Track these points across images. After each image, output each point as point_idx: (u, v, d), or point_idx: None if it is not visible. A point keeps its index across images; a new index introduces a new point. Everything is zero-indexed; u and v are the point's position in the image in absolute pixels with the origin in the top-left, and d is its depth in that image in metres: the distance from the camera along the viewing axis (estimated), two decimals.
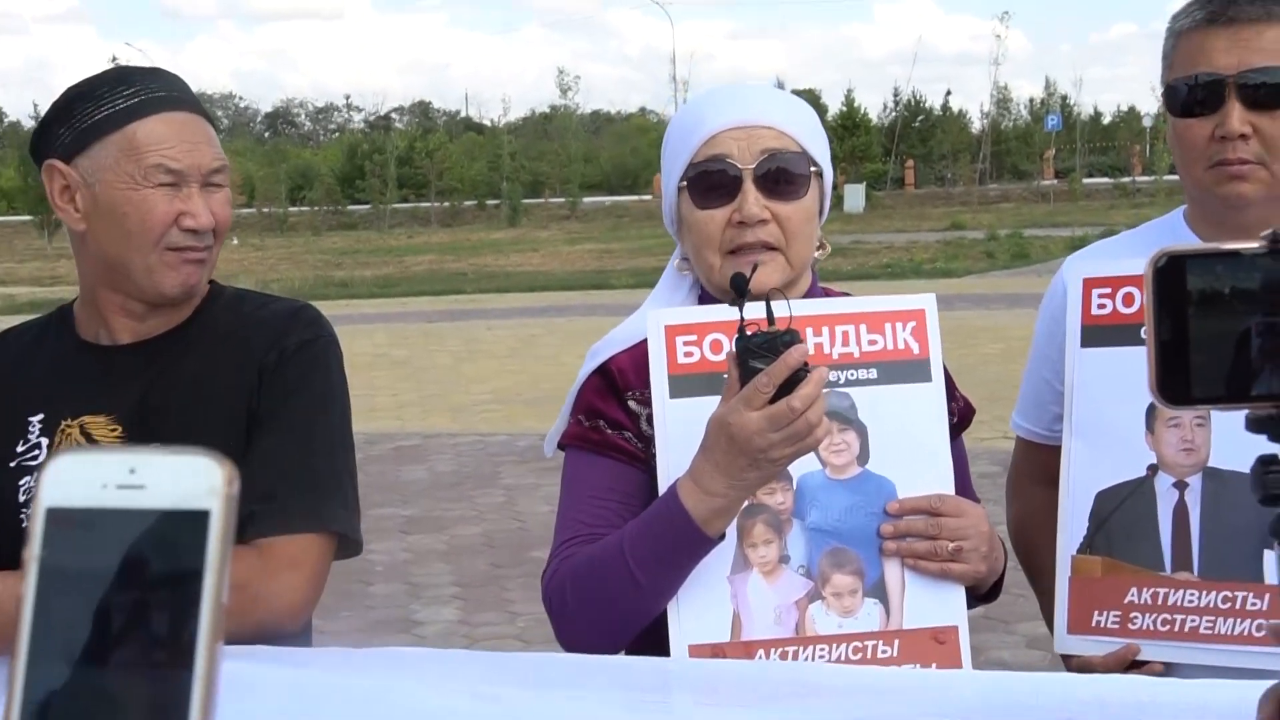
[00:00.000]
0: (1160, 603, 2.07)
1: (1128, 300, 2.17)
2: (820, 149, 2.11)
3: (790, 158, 2.05)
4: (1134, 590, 2.09)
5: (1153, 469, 2.11)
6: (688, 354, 1.98)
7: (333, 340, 2.26)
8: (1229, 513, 2.05)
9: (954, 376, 2.17)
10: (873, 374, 2.01)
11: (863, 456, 1.99)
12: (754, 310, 1.82)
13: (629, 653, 2.05)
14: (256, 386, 2.15)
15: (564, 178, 65.04)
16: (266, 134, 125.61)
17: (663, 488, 1.94)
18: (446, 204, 60.56)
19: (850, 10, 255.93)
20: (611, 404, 2.08)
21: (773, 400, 1.78)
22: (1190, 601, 2.06)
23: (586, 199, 62.09)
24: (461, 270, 31.21)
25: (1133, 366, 2.14)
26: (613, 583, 1.92)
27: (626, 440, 2.06)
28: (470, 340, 18.28)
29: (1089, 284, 2.20)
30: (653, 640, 1.94)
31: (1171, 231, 2.34)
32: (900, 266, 27.42)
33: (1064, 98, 75.93)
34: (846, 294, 2.22)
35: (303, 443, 2.14)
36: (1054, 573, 2.16)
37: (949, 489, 2.02)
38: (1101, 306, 2.18)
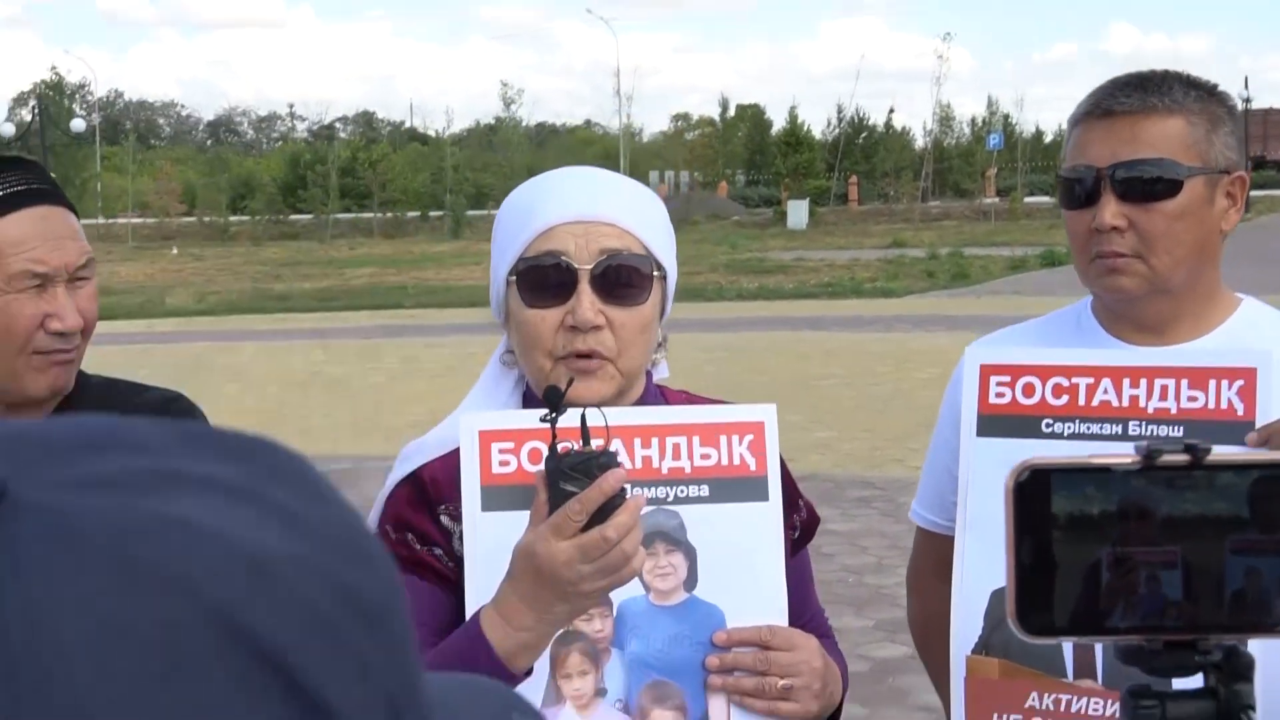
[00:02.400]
0: (1064, 710, 2.00)
1: (1028, 390, 2.12)
2: (666, 249, 1.96)
3: (632, 259, 1.89)
4: (1035, 695, 2.03)
5: None
6: (503, 463, 1.81)
7: None
8: None
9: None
10: (704, 491, 1.86)
11: (690, 581, 1.85)
12: (569, 419, 1.66)
13: None
14: None
15: (508, 190, 64.60)
16: (209, 142, 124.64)
17: (470, 607, 1.77)
18: (389, 215, 60.27)
19: (796, 27, 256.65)
20: (422, 516, 1.89)
21: (585, 528, 1.61)
22: (1095, 710, 1.98)
23: None
24: (402, 284, 31.03)
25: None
26: None
27: (437, 558, 1.87)
28: (407, 358, 18.15)
29: (986, 370, 2.15)
30: None
31: (1077, 321, 2.30)
32: (841, 285, 27.47)
33: (1006, 116, 76.65)
34: (686, 393, 2.09)
35: None
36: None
37: (782, 620, 1.87)
38: (1000, 395, 2.13)
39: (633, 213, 1.93)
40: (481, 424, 1.84)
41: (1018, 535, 0.91)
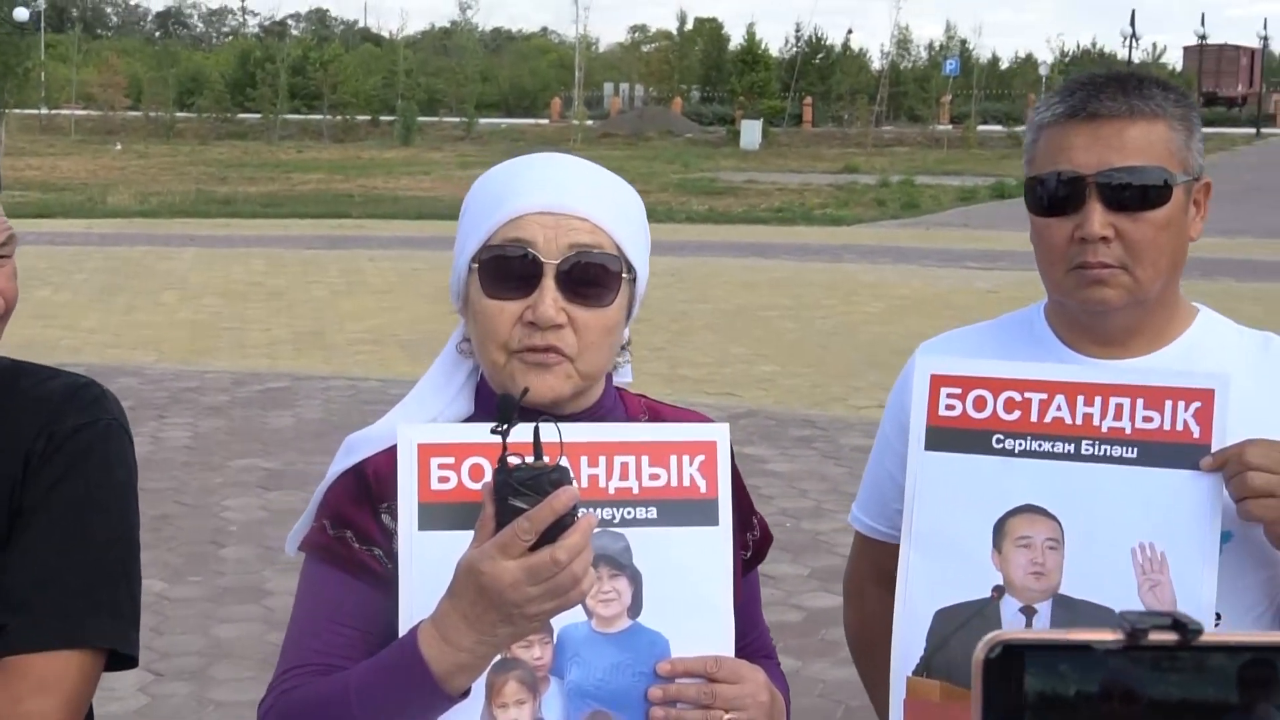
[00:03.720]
0: None
1: (979, 404, 2.03)
2: (639, 249, 1.86)
3: (602, 257, 1.79)
4: (972, 673, 1.96)
5: (998, 591, 1.98)
6: (443, 479, 1.72)
7: (115, 424, 1.95)
8: None
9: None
10: (652, 514, 1.77)
11: (634, 608, 1.76)
12: (520, 432, 1.57)
13: None
14: (20, 477, 1.86)
15: (461, 96, 64.17)
16: (157, 34, 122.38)
17: (403, 629, 1.69)
18: (339, 118, 59.50)
19: None
20: (364, 513, 1.80)
21: (533, 548, 1.53)
22: None
23: (483, 120, 61.36)
24: (349, 192, 30.66)
25: (981, 477, 2.02)
26: None
27: (376, 559, 1.79)
28: (350, 271, 17.94)
29: (937, 381, 2.06)
30: None
31: (1029, 328, 2.20)
32: (791, 211, 27.37)
33: (964, 42, 76.36)
34: (645, 398, 2.00)
35: (67, 544, 1.84)
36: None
37: (728, 650, 1.79)
38: (950, 408, 2.04)
39: (608, 209, 1.83)
40: (421, 436, 1.73)
41: (985, 717, 0.82)
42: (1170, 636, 0.81)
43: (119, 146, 47.53)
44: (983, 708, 0.83)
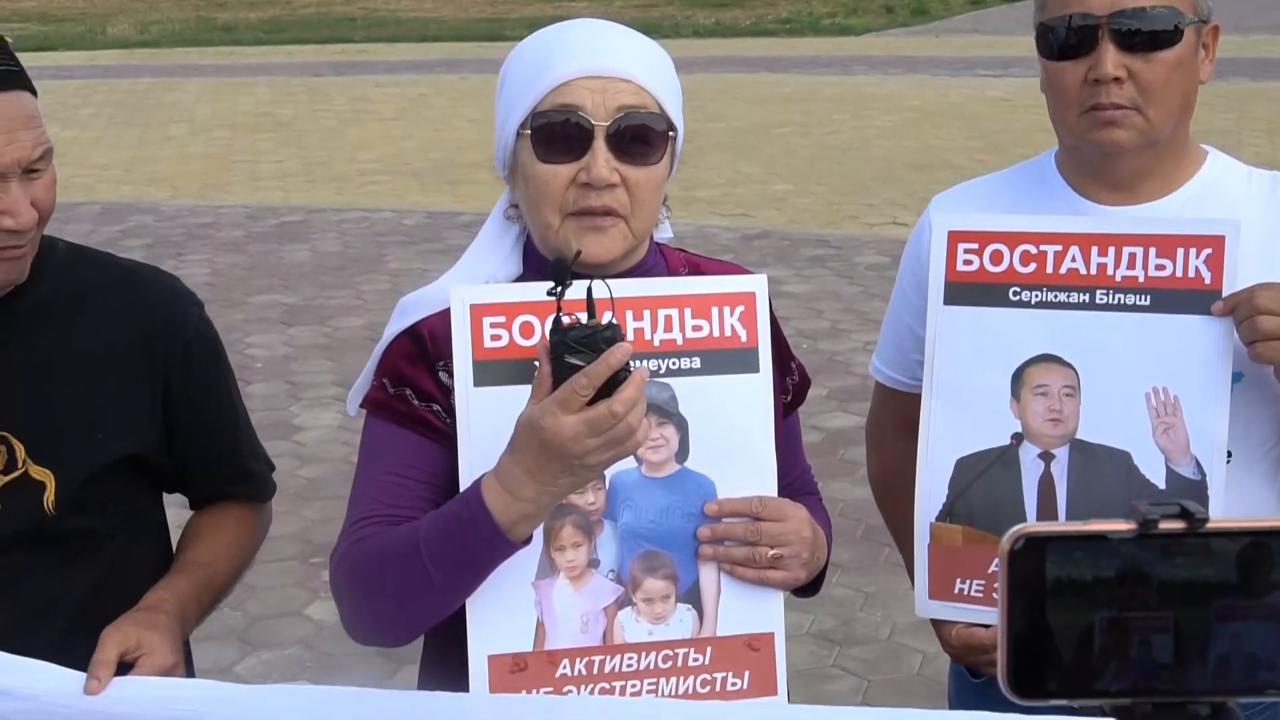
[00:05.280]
0: None
1: (996, 258, 2.09)
2: (677, 108, 1.92)
3: (648, 118, 1.86)
4: (996, 562, 2.06)
5: (1017, 438, 2.06)
6: (495, 337, 1.80)
7: (201, 303, 2.24)
8: (1097, 488, 2.01)
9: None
10: (696, 363, 1.86)
11: (681, 453, 1.85)
12: (571, 291, 1.65)
13: (425, 653, 1.96)
14: (156, 362, 2.10)
15: None
16: None
17: (464, 482, 1.78)
18: None
19: None
20: (421, 371, 1.89)
21: (590, 403, 1.62)
22: None
23: None
24: (350, 15, 30.25)
25: (999, 328, 2.08)
26: (406, 579, 1.77)
27: (435, 414, 1.87)
28: (357, 99, 17.82)
29: (954, 237, 2.11)
30: (453, 638, 1.83)
31: (1041, 176, 2.25)
32: (799, 21, 26.98)
33: None
34: (684, 251, 2.07)
35: (238, 416, 2.25)
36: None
37: (771, 490, 1.89)
38: (968, 263, 2.10)
39: (649, 70, 1.89)
40: (472, 297, 1.81)
41: (1011, 601, 0.91)
42: (1178, 525, 0.90)
43: None
44: (1008, 594, 0.92)
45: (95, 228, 11.01)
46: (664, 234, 2.05)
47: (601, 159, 1.83)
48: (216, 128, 15.84)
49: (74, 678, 1.78)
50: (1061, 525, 0.96)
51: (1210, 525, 0.90)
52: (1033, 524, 0.93)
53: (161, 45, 25.29)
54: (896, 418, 2.37)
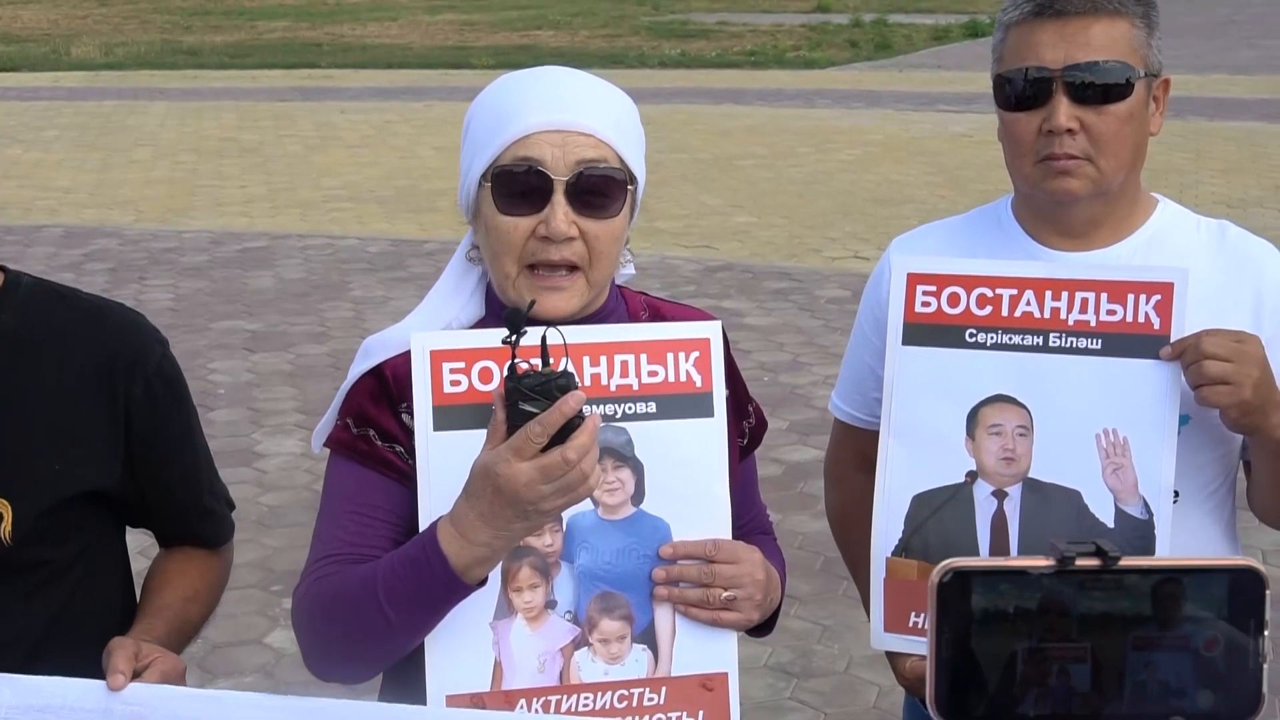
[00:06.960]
0: None
1: (953, 300, 2.15)
2: (638, 158, 1.97)
3: (608, 170, 1.90)
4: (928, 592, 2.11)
5: (971, 475, 2.12)
6: (454, 382, 1.85)
7: (166, 342, 2.24)
8: (1049, 526, 2.06)
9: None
10: (652, 408, 1.90)
11: (637, 496, 1.90)
12: (527, 338, 1.71)
13: (383, 693, 2.00)
14: (117, 403, 2.09)
15: None
16: None
17: (424, 524, 1.82)
18: None
19: None
20: (384, 412, 1.93)
21: (544, 450, 1.67)
22: None
23: None
24: (317, 41, 30.23)
25: (955, 369, 2.14)
26: (363, 619, 1.81)
27: (398, 455, 1.91)
28: (323, 125, 17.82)
29: (913, 279, 2.17)
30: (411, 677, 1.87)
31: (997, 221, 2.32)
32: (764, 54, 27.13)
33: None
34: (645, 295, 2.12)
35: (200, 457, 2.26)
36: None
37: (726, 533, 1.93)
38: (925, 304, 2.16)
39: (610, 122, 1.93)
40: (432, 343, 1.87)
41: (939, 629, 0.97)
42: (1094, 561, 0.96)
43: None
44: (936, 623, 0.98)
45: (58, 251, 10.99)
46: (626, 273, 2.09)
47: (560, 213, 1.88)
48: (181, 152, 15.82)
49: (97, 684, 1.78)
50: (987, 560, 1.02)
51: (1124, 562, 0.97)
52: (960, 559, 0.99)
53: (126, 68, 25.20)
54: (855, 454, 2.43)
